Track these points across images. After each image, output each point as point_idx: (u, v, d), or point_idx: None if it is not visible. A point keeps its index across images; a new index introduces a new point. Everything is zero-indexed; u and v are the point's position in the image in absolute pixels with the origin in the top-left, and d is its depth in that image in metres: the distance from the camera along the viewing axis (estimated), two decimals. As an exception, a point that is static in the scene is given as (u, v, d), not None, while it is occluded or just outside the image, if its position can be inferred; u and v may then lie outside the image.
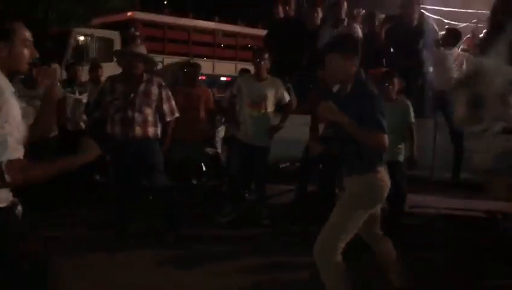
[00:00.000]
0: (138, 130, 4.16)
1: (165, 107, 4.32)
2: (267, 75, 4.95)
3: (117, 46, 9.94)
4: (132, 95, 4.14)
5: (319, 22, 6.43)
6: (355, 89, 2.91)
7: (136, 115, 4.14)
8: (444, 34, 5.98)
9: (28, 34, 2.09)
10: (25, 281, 2.05)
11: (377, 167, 2.91)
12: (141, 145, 4.18)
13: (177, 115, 4.44)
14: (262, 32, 9.88)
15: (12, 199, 2.08)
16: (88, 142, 2.20)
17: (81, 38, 9.48)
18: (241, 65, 8.77)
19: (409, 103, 4.57)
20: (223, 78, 8.55)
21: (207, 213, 5.17)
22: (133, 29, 10.06)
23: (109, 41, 9.88)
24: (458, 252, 4.24)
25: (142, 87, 4.20)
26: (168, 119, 4.37)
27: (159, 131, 4.34)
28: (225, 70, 9.80)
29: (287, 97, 5.04)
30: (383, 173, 2.93)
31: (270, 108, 4.91)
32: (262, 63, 4.84)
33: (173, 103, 4.39)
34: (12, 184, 1.92)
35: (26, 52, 2.07)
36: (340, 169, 3.31)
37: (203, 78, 8.38)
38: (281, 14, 6.91)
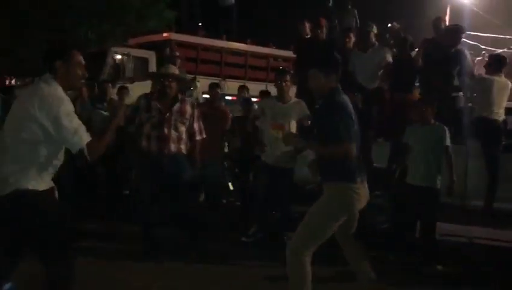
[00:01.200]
0: (173, 147, 4.36)
1: (196, 126, 4.54)
2: (290, 97, 4.98)
3: (152, 65, 10.21)
4: (168, 113, 4.33)
5: (351, 46, 6.45)
6: (324, 101, 3.18)
7: (172, 132, 4.34)
8: (488, 60, 5.86)
9: (81, 58, 2.73)
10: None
11: (352, 177, 3.04)
12: (174, 162, 4.35)
13: (204, 135, 4.63)
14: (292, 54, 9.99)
15: (52, 185, 2.68)
16: (114, 102, 2.63)
17: (118, 57, 9.77)
18: (272, 87, 8.86)
19: (445, 127, 4.50)
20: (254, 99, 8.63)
21: (233, 232, 5.19)
22: (168, 50, 10.30)
23: (145, 61, 10.16)
24: (487, 284, 4.11)
25: (176, 106, 4.40)
26: (197, 138, 4.56)
27: (186, 149, 4.51)
28: (256, 91, 9.87)
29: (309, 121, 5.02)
30: (359, 185, 3.07)
31: (294, 130, 4.89)
32: (284, 84, 4.87)
33: (201, 123, 4.58)
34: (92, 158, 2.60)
35: (79, 72, 2.71)
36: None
37: (234, 98, 8.48)
38: (308, 33, 6.95)
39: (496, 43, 15.69)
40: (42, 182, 2.63)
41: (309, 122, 4.94)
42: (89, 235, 4.82)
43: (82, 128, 2.59)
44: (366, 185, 3.21)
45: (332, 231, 3.10)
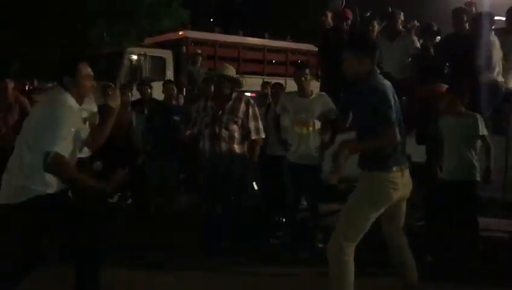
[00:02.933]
0: (224, 146, 4.34)
1: (251, 125, 4.46)
2: (312, 91, 4.77)
3: (169, 64, 10.07)
4: (220, 111, 4.34)
5: (374, 36, 6.19)
6: (362, 86, 2.99)
7: (223, 131, 4.32)
8: None
9: (89, 70, 2.85)
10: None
11: (391, 165, 2.91)
12: (227, 161, 4.34)
13: (263, 135, 4.56)
14: (312, 47, 9.75)
15: (63, 187, 2.73)
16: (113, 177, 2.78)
17: (134, 57, 9.67)
18: (291, 81, 8.65)
19: (478, 115, 4.26)
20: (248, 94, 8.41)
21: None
22: (184, 48, 10.18)
23: (162, 60, 10.03)
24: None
25: (229, 104, 4.39)
26: (253, 137, 4.47)
27: (245, 148, 4.49)
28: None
29: (334, 111, 4.81)
30: (397, 174, 2.94)
31: (318, 125, 4.70)
32: (304, 78, 4.65)
33: (260, 122, 4.52)
34: (52, 172, 2.62)
35: (88, 84, 2.84)
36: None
37: (253, 95, 8.27)
38: (330, 24, 6.71)
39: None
40: (51, 185, 2.68)
41: (334, 115, 4.74)
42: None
43: (63, 140, 2.62)
44: (408, 174, 3.03)
45: (372, 221, 2.95)
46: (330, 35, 6.47)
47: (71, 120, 2.70)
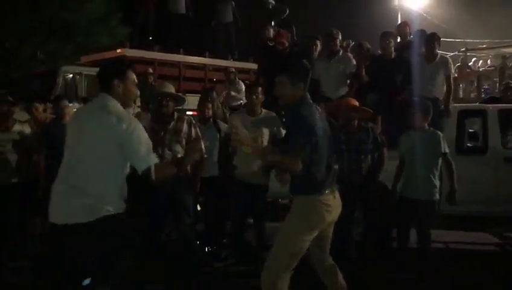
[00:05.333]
0: None
1: None
2: (261, 110, 4.78)
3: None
4: (162, 132, 4.16)
5: (316, 54, 6.33)
6: (289, 112, 3.06)
7: (166, 152, 4.14)
8: None
9: (135, 77, 2.85)
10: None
11: (322, 189, 2.95)
12: (171, 183, 4.01)
13: (205, 155, 4.42)
14: (254, 66, 9.81)
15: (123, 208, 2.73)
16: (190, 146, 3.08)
17: (70, 76, 9.30)
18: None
19: (439, 132, 4.30)
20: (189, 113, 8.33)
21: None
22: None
23: (99, 79, 9.72)
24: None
25: (172, 124, 4.22)
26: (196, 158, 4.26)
27: (188, 170, 4.27)
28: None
29: (282, 132, 4.83)
30: (329, 196, 2.98)
31: (265, 143, 4.69)
32: (255, 97, 4.68)
33: (202, 142, 4.36)
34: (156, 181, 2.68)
35: (134, 90, 2.84)
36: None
37: (195, 113, 8.16)
38: (271, 39, 6.79)
39: (447, 47, 16.25)
40: (120, 205, 2.70)
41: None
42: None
43: (151, 148, 2.70)
44: (338, 196, 3.08)
45: (307, 246, 2.97)
46: (271, 53, 6.54)
47: (143, 129, 2.75)
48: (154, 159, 2.67)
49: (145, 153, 2.64)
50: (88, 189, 2.58)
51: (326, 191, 2.97)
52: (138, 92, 2.92)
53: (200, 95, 5.10)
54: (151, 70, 9.01)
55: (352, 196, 4.54)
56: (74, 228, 2.55)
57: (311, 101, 3.08)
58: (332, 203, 3.00)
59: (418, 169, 4.20)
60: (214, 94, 4.71)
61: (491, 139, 5.51)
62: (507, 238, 5.90)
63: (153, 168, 2.63)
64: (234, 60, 11.32)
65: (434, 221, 4.29)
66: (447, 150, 4.22)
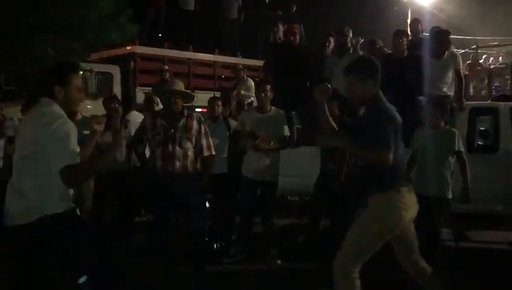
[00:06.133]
0: (178, 165, 4.14)
1: (203, 142, 4.32)
2: (270, 107, 4.79)
3: (117, 80, 9.82)
4: (172, 129, 4.16)
5: (329, 52, 6.32)
6: (369, 109, 3.03)
7: (177, 149, 4.12)
8: None
9: (79, 82, 2.83)
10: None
11: (398, 186, 2.91)
12: (181, 181, 4.13)
13: (214, 152, 4.40)
14: (262, 63, 9.81)
15: (72, 205, 2.73)
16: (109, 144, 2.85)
17: (80, 73, 9.35)
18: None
19: (455, 130, 4.29)
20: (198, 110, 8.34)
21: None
22: (132, 64, 9.97)
23: (109, 76, 9.76)
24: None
25: (182, 122, 4.21)
26: (205, 154, 4.32)
27: (198, 166, 4.32)
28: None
29: (286, 131, 4.83)
30: (405, 194, 2.92)
31: (275, 141, 4.71)
32: (264, 95, 4.70)
33: (211, 139, 4.38)
34: (73, 184, 2.66)
35: (78, 96, 2.80)
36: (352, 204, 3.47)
37: (204, 110, 8.19)
38: (281, 38, 6.78)
39: (457, 44, 16.11)
40: (60, 204, 2.67)
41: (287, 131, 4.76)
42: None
43: (74, 151, 2.63)
44: (414, 194, 3.02)
45: (380, 245, 2.92)
46: (278, 50, 6.53)
47: (75, 132, 2.68)
48: (70, 161, 2.58)
49: (62, 155, 2.57)
50: (23, 190, 2.61)
51: (402, 189, 2.94)
52: (83, 97, 2.87)
53: (213, 94, 5.05)
54: (166, 67, 9.03)
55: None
56: (17, 229, 2.61)
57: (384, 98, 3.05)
58: (409, 201, 2.95)
59: (432, 166, 4.17)
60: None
61: (503, 137, 5.45)
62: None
63: (64, 170, 2.55)
64: (243, 57, 11.32)
65: (446, 220, 4.25)
66: (462, 149, 4.21)
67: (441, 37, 5.72)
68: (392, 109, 3.00)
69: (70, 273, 2.78)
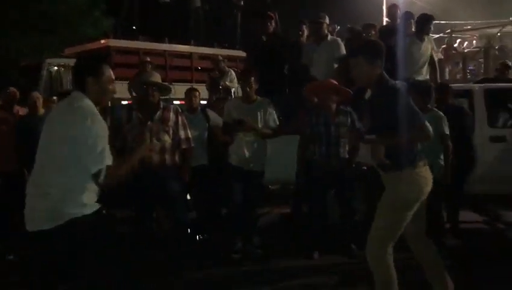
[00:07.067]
0: (156, 158, 4.07)
1: (181, 133, 4.28)
2: (256, 97, 4.77)
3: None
4: (149, 122, 4.09)
5: (304, 39, 6.33)
6: (377, 89, 3.05)
7: (154, 141, 4.03)
8: None
9: (111, 73, 2.71)
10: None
11: (415, 161, 2.98)
12: (159, 174, 4.08)
13: (192, 144, 4.37)
14: (241, 53, 9.75)
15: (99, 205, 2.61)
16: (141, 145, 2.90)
17: (54, 69, 9.17)
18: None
19: (441, 114, 4.38)
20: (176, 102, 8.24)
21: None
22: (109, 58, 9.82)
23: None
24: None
25: (158, 114, 4.15)
26: (183, 146, 4.29)
27: (177, 159, 4.27)
28: (204, 93, 9.55)
29: (275, 117, 4.81)
30: (422, 168, 3.00)
31: (266, 128, 4.69)
32: (248, 84, 4.67)
33: (189, 131, 4.33)
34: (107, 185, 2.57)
35: (109, 87, 2.69)
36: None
37: (182, 102, 8.09)
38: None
39: (433, 29, 16.26)
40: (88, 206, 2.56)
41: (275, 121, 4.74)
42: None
43: (107, 150, 2.53)
44: (429, 169, 3.09)
45: (408, 220, 2.97)
46: (259, 41, 6.48)
47: (106, 129, 2.60)
48: (107, 161, 2.51)
49: (98, 154, 2.48)
50: (50, 191, 2.48)
51: (420, 163, 3.00)
52: (115, 89, 2.74)
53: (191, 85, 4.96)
54: (148, 59, 8.86)
55: (328, 180, 4.61)
56: (41, 234, 2.47)
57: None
58: (427, 175, 3.02)
59: (423, 149, 4.26)
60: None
61: (478, 118, 5.54)
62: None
63: (104, 170, 2.50)
64: (222, 47, 11.24)
65: (441, 200, 4.36)
66: (447, 132, 4.32)
67: (429, 22, 5.86)
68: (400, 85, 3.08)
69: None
